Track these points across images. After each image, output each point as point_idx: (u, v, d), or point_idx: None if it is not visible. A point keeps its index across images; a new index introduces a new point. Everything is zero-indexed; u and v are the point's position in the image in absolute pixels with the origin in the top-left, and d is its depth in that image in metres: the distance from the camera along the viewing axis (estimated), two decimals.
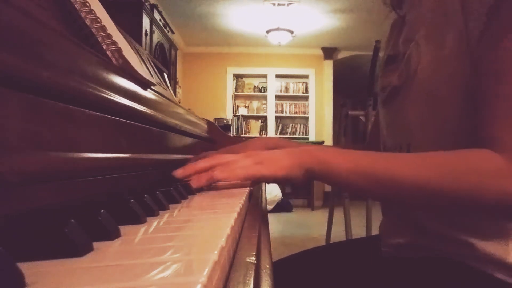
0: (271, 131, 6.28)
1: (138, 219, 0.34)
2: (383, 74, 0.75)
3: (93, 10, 0.63)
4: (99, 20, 0.63)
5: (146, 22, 3.49)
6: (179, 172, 0.62)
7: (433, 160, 0.53)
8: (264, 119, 6.37)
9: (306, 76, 6.30)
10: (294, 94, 6.37)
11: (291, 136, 6.35)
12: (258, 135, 6.33)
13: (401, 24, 0.74)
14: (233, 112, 6.28)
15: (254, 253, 0.28)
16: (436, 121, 0.61)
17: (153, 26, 3.68)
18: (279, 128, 6.37)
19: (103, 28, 0.64)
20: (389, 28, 0.81)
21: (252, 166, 0.57)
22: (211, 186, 0.65)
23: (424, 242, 0.63)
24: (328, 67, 6.19)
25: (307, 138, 6.23)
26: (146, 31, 3.48)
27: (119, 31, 0.74)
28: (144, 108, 0.67)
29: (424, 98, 0.62)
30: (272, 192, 5.09)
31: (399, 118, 0.68)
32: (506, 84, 0.51)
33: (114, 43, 0.65)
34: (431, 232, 0.62)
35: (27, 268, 0.20)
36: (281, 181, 0.58)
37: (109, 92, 0.52)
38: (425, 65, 0.62)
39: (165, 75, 1.78)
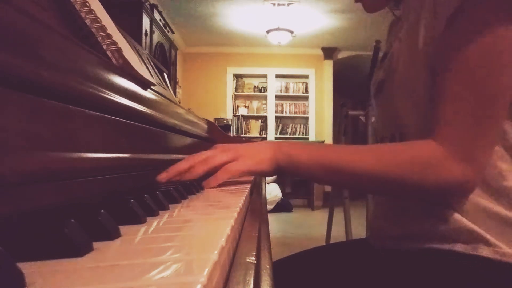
0: (271, 131, 6.28)
1: (138, 219, 0.34)
2: (376, 70, 0.79)
3: (93, 10, 0.63)
4: (99, 20, 0.63)
5: (146, 22, 3.49)
6: (163, 176, 0.63)
7: (381, 151, 0.61)
8: (264, 119, 6.37)
9: (306, 76, 6.30)
10: (294, 94, 6.37)
11: (291, 136, 6.35)
12: (258, 135, 6.33)
13: (396, 24, 0.77)
14: (233, 112, 6.28)
15: (254, 253, 0.28)
16: (418, 110, 0.64)
17: (153, 26, 3.68)
18: (279, 128, 6.37)
19: (103, 28, 0.64)
20: (387, 29, 0.83)
21: (229, 163, 0.63)
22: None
23: (412, 228, 0.65)
24: (328, 67, 6.19)
25: (307, 138, 6.23)
26: (146, 31, 3.47)
27: (119, 31, 0.74)
28: (144, 108, 0.67)
29: (404, 90, 0.66)
30: (272, 192, 5.09)
31: (388, 109, 0.72)
32: (454, 83, 0.56)
33: (114, 43, 0.65)
34: (417, 215, 0.65)
35: (27, 268, 0.20)
36: (255, 174, 0.65)
37: (109, 92, 0.52)
38: (404, 59, 0.66)
39: (165, 75, 1.79)
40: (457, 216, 0.60)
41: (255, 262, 0.26)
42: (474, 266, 0.58)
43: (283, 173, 0.65)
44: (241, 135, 6.21)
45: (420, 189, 0.57)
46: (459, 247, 0.60)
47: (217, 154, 0.64)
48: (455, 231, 0.60)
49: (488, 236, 0.58)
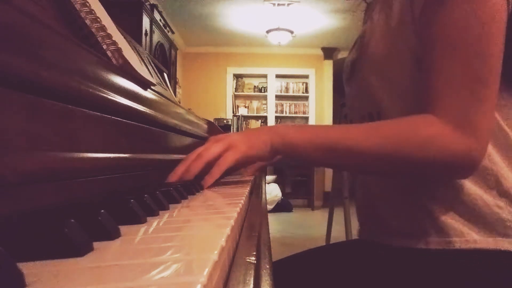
0: None
1: (138, 219, 0.34)
2: (349, 53, 0.79)
3: (93, 10, 0.63)
4: (99, 20, 0.63)
5: (146, 22, 3.49)
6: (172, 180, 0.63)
7: (380, 128, 0.59)
8: (264, 119, 6.37)
9: (306, 76, 6.30)
10: (294, 94, 6.37)
11: None
12: None
13: (369, 8, 0.78)
14: (233, 112, 6.28)
15: (254, 253, 0.28)
16: (391, 87, 0.64)
17: (153, 26, 3.68)
18: None
19: (103, 28, 0.64)
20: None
21: (223, 154, 0.61)
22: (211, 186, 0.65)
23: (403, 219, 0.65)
24: (328, 67, 6.19)
25: None
26: (146, 31, 3.47)
27: (119, 31, 0.74)
28: (144, 108, 0.67)
29: (377, 67, 0.66)
30: (272, 192, 5.09)
31: (363, 89, 0.71)
32: (446, 54, 0.55)
33: (114, 43, 0.65)
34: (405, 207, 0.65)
35: (27, 268, 0.20)
36: (252, 160, 0.62)
37: (109, 92, 0.52)
38: (376, 37, 0.66)
39: (165, 75, 1.79)
40: (432, 203, 0.61)
41: (255, 262, 0.26)
42: (451, 261, 0.59)
43: (279, 154, 0.63)
44: None
45: (425, 165, 0.56)
46: (433, 244, 0.60)
47: (209, 148, 0.62)
48: (430, 223, 0.61)
49: (461, 225, 0.59)
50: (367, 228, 0.75)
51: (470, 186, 0.59)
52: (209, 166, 0.62)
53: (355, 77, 0.73)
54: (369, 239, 0.73)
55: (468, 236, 0.58)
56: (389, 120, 0.61)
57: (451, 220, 0.59)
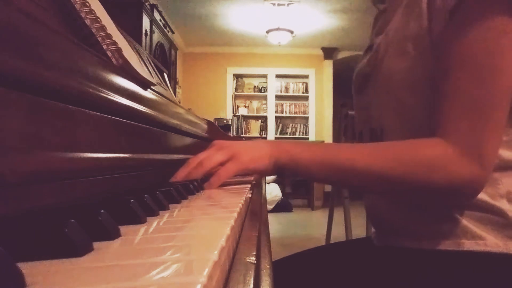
0: (271, 131, 6.27)
1: (138, 219, 0.34)
2: (360, 62, 0.78)
3: (93, 10, 0.63)
4: (99, 20, 0.63)
5: (146, 22, 3.49)
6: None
7: (387, 150, 0.58)
8: (264, 119, 6.37)
9: (306, 76, 6.30)
10: (294, 94, 6.37)
11: (291, 136, 6.34)
12: (258, 135, 6.33)
13: (380, 17, 0.77)
14: (233, 112, 6.28)
15: (254, 253, 0.28)
16: (401, 107, 0.64)
17: (153, 26, 3.68)
18: (279, 128, 6.36)
19: (103, 28, 0.64)
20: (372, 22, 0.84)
21: (225, 164, 0.61)
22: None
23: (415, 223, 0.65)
24: (328, 67, 6.19)
25: (307, 138, 6.22)
26: (146, 31, 3.47)
27: (119, 31, 0.74)
28: (144, 108, 0.67)
29: (388, 86, 0.65)
30: (272, 192, 5.09)
31: (371, 104, 0.70)
32: (459, 79, 0.55)
33: (114, 43, 0.65)
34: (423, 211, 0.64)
35: (27, 268, 0.20)
36: (252, 172, 0.62)
37: (109, 92, 0.52)
38: (390, 54, 0.65)
39: (165, 75, 1.78)
40: (443, 205, 0.61)
41: (255, 262, 0.26)
42: (460, 262, 0.59)
43: (282, 172, 0.63)
44: (241, 135, 6.20)
45: (427, 189, 0.56)
46: (442, 245, 0.60)
47: (212, 155, 0.62)
48: (440, 224, 0.61)
49: (472, 227, 0.59)
50: (378, 230, 0.74)
51: (480, 194, 0.59)
52: (209, 173, 0.62)
53: (366, 92, 0.73)
54: (380, 241, 0.72)
55: (479, 239, 0.58)
56: (397, 142, 0.61)
57: (463, 222, 0.59)
